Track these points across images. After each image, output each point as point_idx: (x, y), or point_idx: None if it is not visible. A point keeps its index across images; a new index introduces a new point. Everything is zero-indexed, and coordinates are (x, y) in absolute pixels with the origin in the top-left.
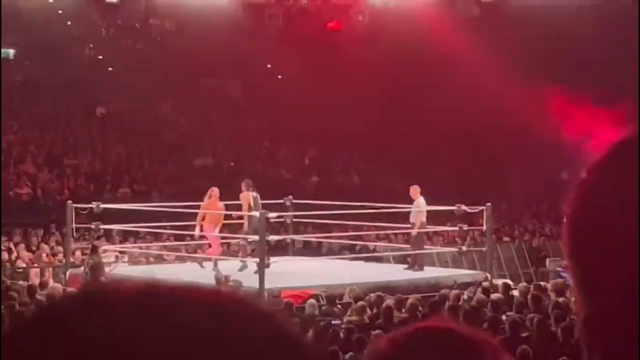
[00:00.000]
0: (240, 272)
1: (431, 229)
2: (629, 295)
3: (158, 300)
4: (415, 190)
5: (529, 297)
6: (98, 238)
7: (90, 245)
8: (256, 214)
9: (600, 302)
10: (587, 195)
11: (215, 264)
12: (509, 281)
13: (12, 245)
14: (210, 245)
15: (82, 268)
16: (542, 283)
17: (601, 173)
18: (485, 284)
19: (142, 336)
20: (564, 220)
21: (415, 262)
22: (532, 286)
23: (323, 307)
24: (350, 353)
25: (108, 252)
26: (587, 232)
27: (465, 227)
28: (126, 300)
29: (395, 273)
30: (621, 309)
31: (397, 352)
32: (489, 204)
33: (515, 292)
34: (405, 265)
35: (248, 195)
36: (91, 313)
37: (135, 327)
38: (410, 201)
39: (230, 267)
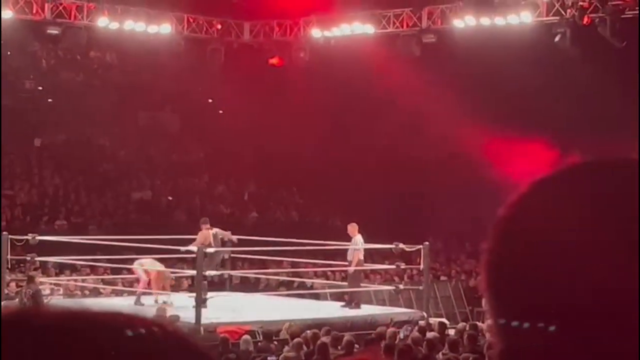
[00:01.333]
0: (180, 307)
1: (369, 267)
2: (541, 331)
3: (82, 324)
4: (353, 228)
5: (465, 336)
6: (34, 270)
7: (26, 277)
8: (211, 250)
9: (515, 336)
10: (504, 230)
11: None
12: (445, 320)
13: None
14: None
15: (18, 299)
16: (478, 323)
17: (517, 210)
18: (422, 322)
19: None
20: (483, 254)
21: (352, 300)
22: (467, 326)
23: (259, 343)
24: None
25: (44, 284)
26: (503, 265)
27: (403, 266)
28: (53, 324)
29: (332, 310)
30: (535, 342)
31: None
32: (427, 242)
33: (452, 331)
34: (343, 303)
35: (207, 233)
36: (20, 337)
37: (61, 350)
38: (349, 239)
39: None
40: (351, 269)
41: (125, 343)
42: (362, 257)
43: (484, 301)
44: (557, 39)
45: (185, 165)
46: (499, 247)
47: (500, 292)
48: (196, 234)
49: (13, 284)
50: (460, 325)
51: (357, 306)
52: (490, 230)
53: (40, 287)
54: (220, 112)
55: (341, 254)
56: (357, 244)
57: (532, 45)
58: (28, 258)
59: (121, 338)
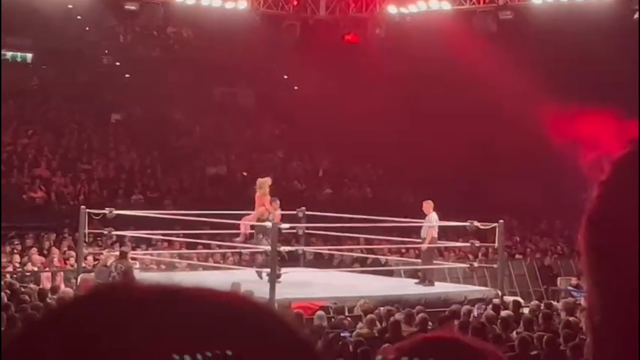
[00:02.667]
0: (253, 282)
1: (443, 244)
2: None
3: (180, 301)
4: (428, 205)
5: (539, 315)
6: (112, 244)
7: (118, 252)
8: (268, 224)
9: (615, 295)
10: (607, 189)
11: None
12: (519, 299)
13: (21, 249)
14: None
15: (110, 273)
16: (552, 302)
17: (621, 169)
18: (496, 300)
19: (164, 333)
20: (584, 216)
21: (425, 277)
22: (542, 304)
23: (332, 319)
24: None
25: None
26: (606, 223)
27: (477, 244)
28: (150, 299)
29: (406, 287)
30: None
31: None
32: (502, 220)
33: (526, 310)
34: (416, 280)
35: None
36: (114, 310)
37: (157, 324)
38: (422, 215)
39: (243, 276)
40: (424, 246)
41: (225, 325)
42: (435, 235)
43: (558, 280)
44: (635, 16)
45: (259, 141)
46: (604, 205)
47: (602, 246)
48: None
49: (90, 258)
50: (535, 303)
51: (431, 283)
52: (595, 190)
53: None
54: (295, 88)
55: (415, 231)
56: (432, 221)
57: (612, 21)
58: (105, 232)
59: (223, 318)
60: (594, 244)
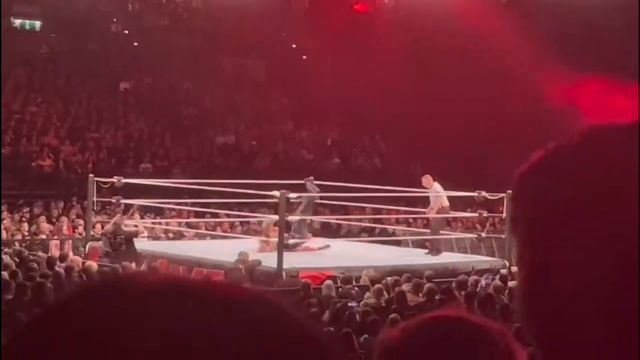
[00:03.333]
0: (259, 252)
1: (450, 214)
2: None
3: (185, 295)
4: (427, 180)
5: None
6: (124, 213)
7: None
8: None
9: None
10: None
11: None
12: None
13: (30, 217)
14: None
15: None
16: None
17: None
18: (503, 271)
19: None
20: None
21: (433, 247)
22: None
23: (340, 289)
24: (365, 335)
25: (128, 226)
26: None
27: (485, 214)
28: (155, 292)
29: (413, 257)
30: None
31: (409, 340)
32: (510, 191)
33: None
34: (426, 250)
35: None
36: (120, 303)
37: (163, 319)
38: (420, 185)
39: (251, 245)
40: (432, 215)
41: (222, 321)
42: (445, 204)
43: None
44: None
45: (269, 111)
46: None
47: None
48: (279, 180)
49: (99, 226)
50: None
51: (438, 252)
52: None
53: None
54: (304, 57)
55: (422, 201)
56: (438, 190)
57: None
58: (113, 200)
59: (220, 316)
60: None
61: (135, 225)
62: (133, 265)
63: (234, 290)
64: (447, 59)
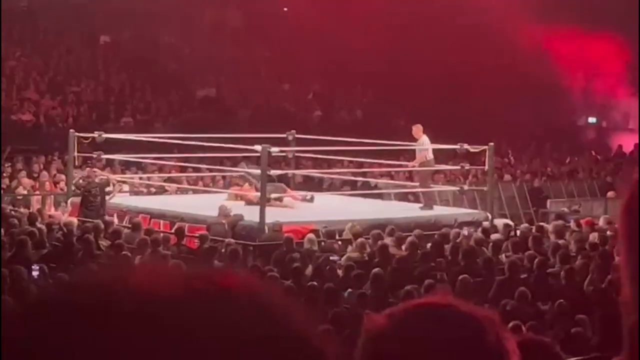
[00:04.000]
0: (241, 206)
1: (436, 167)
2: None
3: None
4: (417, 129)
5: (530, 238)
6: (103, 168)
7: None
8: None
9: None
10: None
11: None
12: (509, 221)
13: (11, 172)
14: None
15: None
16: (543, 224)
17: None
18: (486, 223)
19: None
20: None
21: (427, 201)
22: (534, 227)
23: (323, 243)
24: (349, 290)
25: (110, 181)
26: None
27: (467, 166)
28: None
29: (396, 210)
30: None
31: (396, 329)
32: (492, 143)
33: (516, 233)
34: (419, 204)
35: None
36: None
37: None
38: (413, 139)
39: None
40: (416, 168)
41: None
42: (430, 157)
43: (548, 202)
44: None
45: (250, 64)
46: None
47: None
48: (260, 133)
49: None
50: (525, 226)
51: (429, 207)
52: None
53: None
54: (285, 9)
55: (405, 154)
56: (424, 144)
57: None
58: (94, 155)
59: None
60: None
61: (106, 178)
62: (114, 219)
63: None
64: (430, 10)
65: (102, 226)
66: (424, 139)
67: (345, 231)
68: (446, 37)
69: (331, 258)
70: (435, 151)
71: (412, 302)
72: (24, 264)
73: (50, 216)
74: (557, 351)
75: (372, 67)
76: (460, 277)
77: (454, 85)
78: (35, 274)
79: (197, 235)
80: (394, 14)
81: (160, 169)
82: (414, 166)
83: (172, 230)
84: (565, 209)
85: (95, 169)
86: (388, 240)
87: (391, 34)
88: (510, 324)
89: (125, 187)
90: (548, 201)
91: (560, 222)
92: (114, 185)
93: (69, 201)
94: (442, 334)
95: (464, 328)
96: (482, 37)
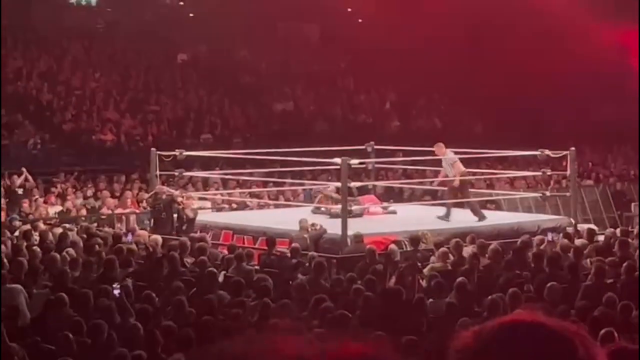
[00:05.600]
0: (324, 220)
1: (513, 173)
2: None
3: None
4: (439, 149)
5: (615, 242)
6: (183, 186)
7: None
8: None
9: None
10: None
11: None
12: (593, 226)
13: (94, 192)
14: None
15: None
16: (629, 228)
17: None
18: (569, 229)
19: None
20: None
21: (476, 213)
22: (618, 231)
23: (405, 251)
24: (430, 300)
25: (191, 198)
26: None
27: (549, 172)
28: None
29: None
30: None
31: (484, 347)
32: (573, 148)
33: (600, 238)
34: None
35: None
36: None
37: None
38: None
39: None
40: (456, 182)
41: None
42: (463, 169)
43: (632, 205)
44: None
45: (326, 75)
46: None
47: None
48: (339, 145)
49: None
50: (610, 231)
51: (483, 217)
52: None
53: (183, 199)
54: (360, 20)
55: (486, 161)
56: (452, 159)
57: None
58: (176, 173)
59: None
60: None
61: (170, 193)
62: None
63: None
64: (503, 16)
65: (188, 243)
66: (450, 154)
67: (427, 241)
68: (521, 42)
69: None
70: (516, 158)
71: (499, 320)
72: (110, 283)
73: (135, 235)
74: None
75: (448, 74)
76: (548, 284)
77: (531, 91)
78: (116, 292)
79: (287, 249)
80: (468, 21)
81: (242, 184)
82: (455, 181)
83: (257, 244)
84: None
85: (164, 186)
86: (471, 249)
87: (466, 40)
88: (602, 331)
89: (197, 204)
90: (632, 204)
91: None
92: (180, 202)
93: (152, 219)
94: (531, 353)
95: (553, 346)
96: (556, 41)
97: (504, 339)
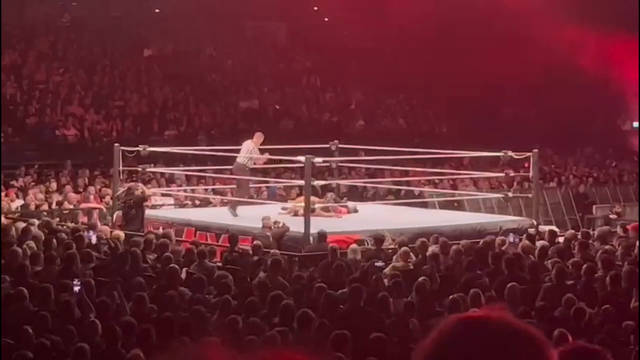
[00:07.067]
0: (287, 217)
1: (477, 174)
2: None
3: None
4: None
5: (576, 244)
6: (148, 181)
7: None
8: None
9: None
10: None
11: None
12: (555, 228)
13: (57, 187)
14: None
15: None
16: (589, 230)
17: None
18: (531, 230)
19: None
20: None
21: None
22: (580, 233)
23: (367, 251)
24: (391, 299)
25: (155, 194)
26: None
27: (512, 173)
28: None
29: (440, 218)
30: None
31: (444, 347)
32: (536, 150)
33: (561, 239)
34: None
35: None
36: None
37: None
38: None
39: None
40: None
41: None
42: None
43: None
44: None
45: (291, 74)
46: None
47: None
48: (303, 144)
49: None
50: (571, 232)
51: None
52: None
53: (151, 196)
54: (326, 20)
55: (449, 161)
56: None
57: None
58: (139, 169)
59: None
60: None
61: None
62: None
63: None
64: (469, 16)
65: (151, 239)
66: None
67: (389, 240)
68: (486, 43)
69: (376, 264)
70: (478, 158)
71: (464, 315)
72: (71, 278)
73: (97, 230)
74: (609, 359)
75: (413, 75)
76: (509, 285)
77: (495, 92)
78: (76, 289)
79: (249, 246)
80: (434, 22)
81: (204, 181)
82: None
83: (220, 241)
84: (610, 213)
85: (138, 183)
86: (433, 249)
87: (432, 42)
88: (556, 332)
89: (162, 200)
90: (594, 207)
91: (605, 227)
92: (149, 198)
93: (114, 214)
94: (493, 350)
95: (516, 345)
96: (521, 43)
97: (467, 335)
